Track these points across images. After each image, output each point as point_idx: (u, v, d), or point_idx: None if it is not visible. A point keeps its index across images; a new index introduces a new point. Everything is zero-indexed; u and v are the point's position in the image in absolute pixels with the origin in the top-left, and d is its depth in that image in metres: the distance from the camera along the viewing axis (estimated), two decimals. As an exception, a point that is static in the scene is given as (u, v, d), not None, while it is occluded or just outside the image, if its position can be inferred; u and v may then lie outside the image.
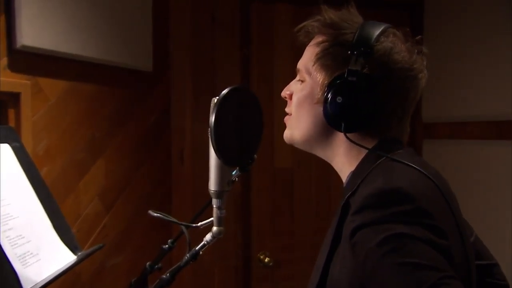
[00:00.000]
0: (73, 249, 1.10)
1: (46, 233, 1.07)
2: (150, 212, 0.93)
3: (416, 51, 0.89)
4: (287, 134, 0.97)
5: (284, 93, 0.98)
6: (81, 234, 1.70)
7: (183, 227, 0.96)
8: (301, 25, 0.95)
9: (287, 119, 0.98)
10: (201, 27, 2.27)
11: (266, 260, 2.36)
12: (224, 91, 0.83)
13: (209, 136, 0.82)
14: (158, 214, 0.93)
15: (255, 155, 0.92)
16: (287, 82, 0.99)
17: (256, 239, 2.36)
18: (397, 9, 2.49)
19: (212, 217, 0.91)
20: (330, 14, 0.91)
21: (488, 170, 2.22)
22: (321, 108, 0.86)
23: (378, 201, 0.73)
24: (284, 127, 0.98)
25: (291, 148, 0.99)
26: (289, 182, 2.41)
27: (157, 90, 2.18)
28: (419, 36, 0.90)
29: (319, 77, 0.89)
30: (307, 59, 0.93)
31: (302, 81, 0.93)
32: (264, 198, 2.37)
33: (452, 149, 2.40)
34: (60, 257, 1.06)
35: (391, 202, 0.72)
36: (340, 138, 0.88)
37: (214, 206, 0.90)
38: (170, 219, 0.95)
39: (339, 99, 0.83)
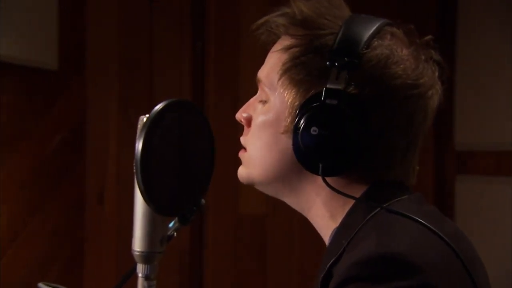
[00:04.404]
0: None
1: None
2: (40, 285, 0.91)
3: (423, 58, 0.90)
4: (242, 173, 0.98)
5: (240, 115, 0.99)
6: None
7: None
8: (261, 21, 0.96)
9: (242, 155, 0.99)
10: (133, 10, 2.28)
11: None
12: (157, 107, 0.83)
13: (134, 171, 0.82)
14: (50, 288, 0.92)
15: (203, 200, 0.92)
16: (257, 91, 0.99)
17: (211, 321, 2.35)
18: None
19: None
20: (301, 6, 0.92)
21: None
22: (290, 141, 0.87)
23: (368, 272, 0.74)
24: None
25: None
26: (261, 234, 2.41)
27: (65, 98, 2.16)
28: (429, 36, 0.93)
29: (287, 96, 0.90)
30: (271, 69, 0.94)
31: (265, 102, 0.94)
32: (224, 259, 2.36)
33: (498, 189, 2.44)
34: None
35: (387, 274, 0.74)
36: (317, 183, 0.89)
37: (140, 274, 0.89)
38: (70, 296, 0.94)
39: (314, 130, 0.84)
